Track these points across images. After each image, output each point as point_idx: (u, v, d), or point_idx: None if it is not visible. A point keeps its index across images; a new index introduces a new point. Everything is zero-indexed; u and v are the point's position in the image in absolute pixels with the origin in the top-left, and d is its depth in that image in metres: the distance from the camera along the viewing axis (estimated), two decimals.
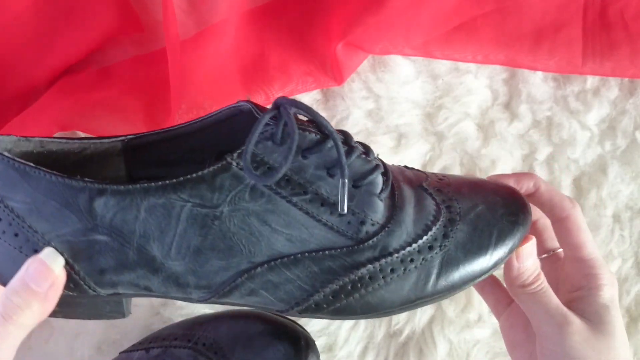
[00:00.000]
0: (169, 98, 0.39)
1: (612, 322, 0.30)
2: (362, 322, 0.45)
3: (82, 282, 0.28)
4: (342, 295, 0.28)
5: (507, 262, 0.31)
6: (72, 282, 0.28)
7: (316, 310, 0.29)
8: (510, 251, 0.30)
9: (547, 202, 0.33)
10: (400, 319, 0.45)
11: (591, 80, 0.46)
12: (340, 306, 0.28)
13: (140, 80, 0.42)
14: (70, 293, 0.28)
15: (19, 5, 0.37)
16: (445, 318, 0.45)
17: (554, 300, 0.30)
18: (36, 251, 0.27)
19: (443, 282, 0.29)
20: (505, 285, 0.33)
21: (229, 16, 0.39)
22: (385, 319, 0.46)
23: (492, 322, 0.46)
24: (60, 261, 0.27)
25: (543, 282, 0.31)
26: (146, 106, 0.42)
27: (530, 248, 0.31)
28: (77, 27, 0.39)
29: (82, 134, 0.43)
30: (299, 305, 0.29)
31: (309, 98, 0.45)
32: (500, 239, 0.30)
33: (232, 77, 0.42)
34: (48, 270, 0.26)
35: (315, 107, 0.45)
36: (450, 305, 0.45)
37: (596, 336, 0.29)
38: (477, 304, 0.45)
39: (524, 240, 0.31)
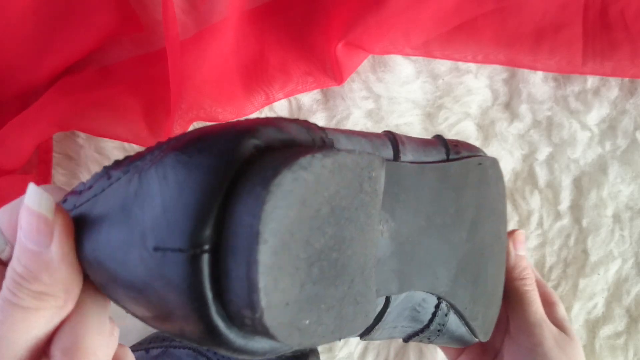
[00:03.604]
0: (168, 98, 0.39)
1: (573, 332, 0.34)
2: None
3: None
4: None
5: (507, 251, 0.34)
6: None
7: None
8: None
9: None
10: None
11: (591, 80, 0.46)
12: None
13: (140, 80, 0.41)
14: None
15: (18, 5, 0.37)
16: None
17: (538, 303, 0.34)
18: None
19: None
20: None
21: (229, 16, 0.39)
22: None
23: None
24: (47, 199, 0.17)
25: (534, 284, 0.35)
26: (146, 106, 0.42)
27: (522, 236, 0.36)
28: (77, 27, 0.39)
29: (82, 134, 0.43)
30: None
31: (309, 98, 0.45)
32: None
33: (232, 77, 0.42)
34: (39, 217, 0.17)
35: (315, 107, 0.45)
36: None
37: (566, 341, 0.33)
38: None
39: (513, 231, 0.35)
